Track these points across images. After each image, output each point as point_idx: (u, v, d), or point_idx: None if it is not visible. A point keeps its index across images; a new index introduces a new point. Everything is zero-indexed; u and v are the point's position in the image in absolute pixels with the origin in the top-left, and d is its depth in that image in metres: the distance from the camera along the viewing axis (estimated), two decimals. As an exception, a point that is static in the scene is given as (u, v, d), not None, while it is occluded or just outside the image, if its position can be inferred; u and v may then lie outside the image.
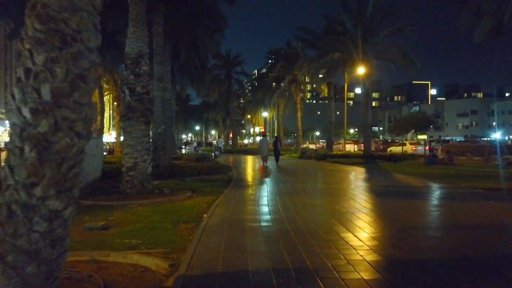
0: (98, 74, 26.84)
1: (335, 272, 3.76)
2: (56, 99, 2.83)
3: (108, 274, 3.91)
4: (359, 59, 24.89)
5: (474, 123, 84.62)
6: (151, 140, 10.28)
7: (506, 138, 60.81)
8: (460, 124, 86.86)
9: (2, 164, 2.95)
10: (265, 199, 8.75)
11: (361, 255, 4.34)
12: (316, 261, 4.09)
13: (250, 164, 22.05)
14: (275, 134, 41.46)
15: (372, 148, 28.60)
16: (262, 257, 4.27)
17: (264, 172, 16.26)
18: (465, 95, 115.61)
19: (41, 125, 2.79)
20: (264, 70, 56.48)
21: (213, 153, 28.65)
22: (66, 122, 2.89)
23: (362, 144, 40.27)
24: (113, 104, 45.82)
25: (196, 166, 16.25)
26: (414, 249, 4.64)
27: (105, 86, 34.96)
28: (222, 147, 37.62)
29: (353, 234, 5.38)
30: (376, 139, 58.88)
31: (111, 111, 52.34)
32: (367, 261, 4.12)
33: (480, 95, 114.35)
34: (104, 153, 27.48)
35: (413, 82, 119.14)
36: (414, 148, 33.49)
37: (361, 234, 5.36)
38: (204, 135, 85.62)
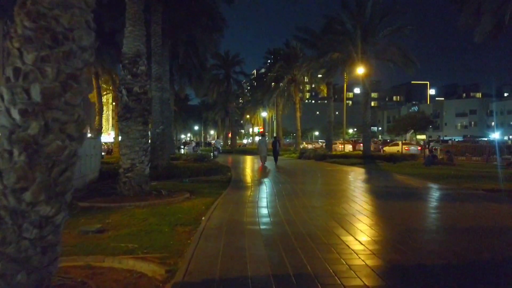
0: (94, 73, 26.65)
1: (337, 278, 3.65)
2: (47, 100, 2.71)
3: (102, 281, 3.79)
4: (359, 59, 24.80)
5: (473, 123, 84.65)
6: (149, 141, 10.15)
7: (506, 138, 60.78)
8: (459, 124, 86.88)
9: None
10: (264, 200, 8.64)
11: (362, 260, 4.23)
12: (317, 266, 3.97)
13: (249, 165, 21.94)
14: (274, 134, 41.41)
15: (371, 148, 28.53)
16: (262, 262, 4.16)
17: (263, 173, 16.15)
18: (464, 95, 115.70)
19: (31, 127, 2.67)
20: (263, 70, 56.45)
21: (211, 153, 28.53)
22: (57, 124, 2.77)
23: (357, 144, 40.42)
24: (112, 104, 45.67)
25: (194, 167, 16.14)
26: (416, 253, 4.53)
27: (104, 86, 34.78)
28: (220, 148, 37.50)
29: (354, 237, 5.26)
30: (375, 139, 58.83)
31: (110, 111, 52.21)
32: (369, 266, 4.01)
33: (478, 95, 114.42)
34: (103, 153, 27.39)
35: (412, 82, 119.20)
36: (406, 148, 33.66)
37: (362, 238, 5.25)
38: (203, 135, 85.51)
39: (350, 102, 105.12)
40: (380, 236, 5.40)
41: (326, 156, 25.17)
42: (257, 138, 49.87)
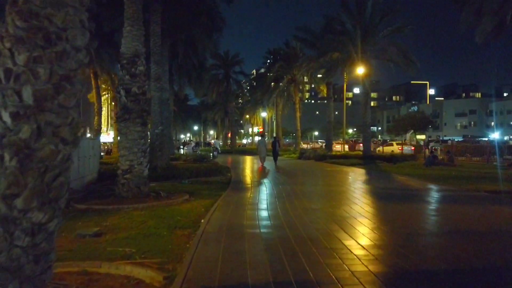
0: (92, 73, 26.53)
1: (340, 286, 3.55)
2: (39, 103, 2.60)
3: (98, 287, 3.68)
4: (359, 59, 24.70)
5: (472, 123, 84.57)
6: (148, 142, 10.03)
7: (506, 138, 60.68)
8: (459, 124, 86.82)
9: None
10: (264, 202, 8.53)
11: (365, 266, 4.13)
12: (319, 273, 3.87)
13: (249, 165, 21.83)
14: (274, 135, 41.30)
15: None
16: (262, 268, 4.05)
17: (262, 174, 16.05)
18: (463, 95, 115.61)
19: (22, 131, 2.56)
20: (262, 70, 56.26)
21: (211, 154, 28.41)
22: (50, 127, 2.66)
23: (357, 144, 40.34)
24: (111, 103, 45.55)
25: (194, 167, 16.03)
26: (421, 258, 4.43)
27: (103, 86, 34.67)
28: (219, 148, 37.39)
29: (356, 241, 5.16)
30: (375, 139, 58.71)
31: (109, 111, 52.08)
32: (372, 273, 3.90)
33: (478, 95, 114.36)
34: (102, 154, 27.27)
35: (412, 82, 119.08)
36: (400, 148, 33.68)
37: (365, 242, 5.15)
38: (202, 135, 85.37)
39: (350, 102, 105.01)
40: (382, 240, 5.30)
41: (326, 157, 25.08)
42: (256, 138, 49.83)
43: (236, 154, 36.65)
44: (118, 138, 10.94)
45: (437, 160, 19.78)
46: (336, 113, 47.89)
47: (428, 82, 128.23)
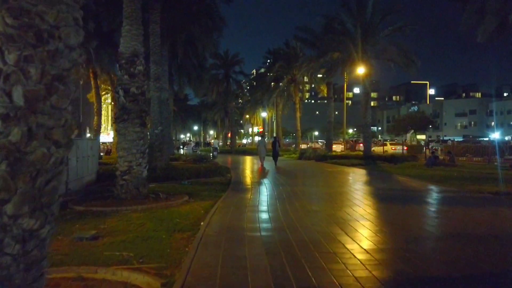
0: (92, 73, 26.40)
1: (344, 293, 3.43)
2: (30, 104, 2.48)
3: (94, 294, 3.57)
4: (359, 59, 24.58)
5: (472, 123, 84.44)
6: (147, 143, 9.91)
7: (507, 138, 60.52)
8: (459, 124, 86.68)
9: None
10: (264, 204, 8.42)
11: (369, 271, 4.01)
12: (322, 279, 3.75)
13: (249, 166, 21.71)
14: (274, 135, 41.19)
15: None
16: (263, 274, 3.93)
17: (263, 174, 15.93)
18: (463, 95, 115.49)
19: (12, 133, 2.44)
20: (262, 70, 56.11)
21: (211, 154, 28.28)
22: (42, 129, 2.54)
23: (357, 144, 40.20)
24: (111, 103, 45.42)
25: (193, 168, 15.92)
26: (426, 263, 4.31)
27: (103, 86, 34.55)
28: (218, 148, 37.25)
29: (359, 245, 5.04)
30: (375, 139, 58.56)
31: (109, 111, 51.95)
32: (377, 279, 3.79)
33: (478, 95, 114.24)
34: (101, 154, 27.14)
35: (412, 82, 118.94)
36: (393, 148, 33.66)
37: (368, 246, 5.03)
38: (202, 135, 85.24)
39: (350, 102, 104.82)
40: (386, 243, 5.18)
41: (327, 157, 24.96)
42: (256, 138, 49.72)
43: (236, 154, 36.52)
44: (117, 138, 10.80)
45: (438, 160, 19.66)
46: (336, 113, 47.71)
47: (428, 82, 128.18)
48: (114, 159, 19.35)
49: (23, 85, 2.47)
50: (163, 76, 18.21)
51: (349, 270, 4.02)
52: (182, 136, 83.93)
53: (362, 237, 5.46)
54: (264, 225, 6.30)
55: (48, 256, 2.84)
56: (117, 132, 9.46)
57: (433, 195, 10.27)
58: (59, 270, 4.04)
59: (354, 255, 4.57)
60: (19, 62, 2.47)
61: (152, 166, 13.68)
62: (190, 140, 72.52)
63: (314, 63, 29.09)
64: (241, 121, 72.95)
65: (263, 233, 5.76)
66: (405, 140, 59.26)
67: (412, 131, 56.46)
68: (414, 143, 49.65)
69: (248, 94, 58.13)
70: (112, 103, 39.03)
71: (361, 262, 4.30)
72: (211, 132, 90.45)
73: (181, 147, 44.78)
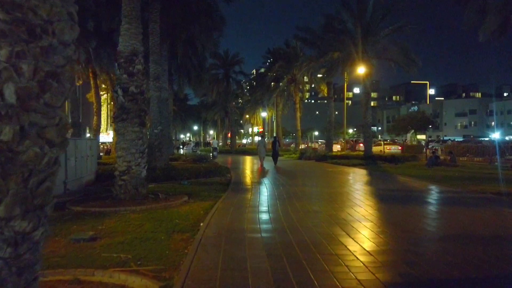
0: (91, 73, 26.30)
1: (347, 296, 3.34)
2: (23, 101, 2.38)
3: (90, 298, 3.47)
4: (359, 58, 24.49)
5: (472, 123, 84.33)
6: (146, 142, 9.81)
7: (507, 138, 60.41)
8: (459, 124, 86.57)
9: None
10: (265, 204, 8.32)
11: (373, 274, 3.92)
12: (325, 282, 3.66)
13: (249, 166, 21.62)
14: (274, 134, 41.09)
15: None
16: (265, 276, 3.84)
17: (263, 174, 15.84)
18: (463, 95, 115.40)
19: (4, 132, 2.34)
20: (262, 70, 55.99)
21: (211, 154, 28.17)
22: (35, 128, 2.44)
23: (357, 144, 40.09)
24: (110, 103, 45.32)
25: (193, 168, 15.83)
26: (430, 265, 4.21)
27: (103, 86, 34.46)
28: (217, 148, 37.16)
29: (362, 246, 4.95)
30: (375, 139, 58.46)
31: (109, 111, 51.81)
32: (382, 282, 3.69)
33: (478, 95, 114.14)
34: (101, 154, 27.04)
35: (412, 82, 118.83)
36: (388, 148, 33.60)
37: (371, 247, 4.93)
38: (202, 135, 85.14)
39: (350, 102, 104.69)
40: (389, 245, 5.08)
41: (327, 157, 24.87)
42: (256, 138, 49.62)
43: (236, 154, 36.44)
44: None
45: (439, 160, 19.57)
46: (336, 113, 47.63)
47: (428, 82, 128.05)
48: (113, 159, 19.22)
49: (15, 82, 2.37)
50: (162, 75, 18.11)
51: (352, 273, 3.93)
52: (182, 136, 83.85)
53: (364, 239, 5.37)
54: (265, 226, 6.21)
55: (42, 259, 2.75)
56: (116, 131, 9.37)
57: (435, 195, 10.17)
58: (55, 273, 3.95)
59: (356, 257, 4.47)
60: (10, 58, 2.37)
61: (152, 166, 13.60)
62: (189, 140, 72.39)
63: (314, 62, 29.02)
64: (241, 121, 72.79)
65: (263, 234, 5.66)
66: (405, 140, 59.15)
67: (412, 131, 56.36)
68: (415, 143, 49.51)
69: (248, 94, 58.04)
70: (112, 102, 38.92)
71: (364, 264, 4.21)
72: (211, 132, 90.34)
73: (181, 147, 44.71)
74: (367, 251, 4.73)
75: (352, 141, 47.98)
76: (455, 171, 16.04)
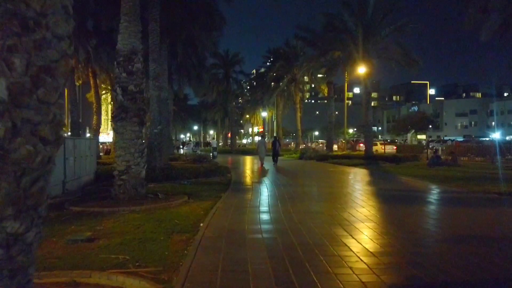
0: (91, 73, 26.22)
1: (352, 300, 3.24)
2: (15, 97, 2.28)
3: (87, 301, 3.37)
4: (360, 58, 24.38)
5: (473, 123, 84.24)
6: (144, 142, 9.71)
7: (508, 138, 60.27)
8: (459, 124, 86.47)
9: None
10: (265, 205, 8.22)
11: (378, 276, 3.82)
12: (328, 285, 3.55)
13: (249, 165, 21.53)
14: (274, 134, 41.02)
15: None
16: (266, 279, 3.73)
17: (263, 174, 15.74)
18: (464, 95, 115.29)
19: (-5, 130, 2.25)
20: (263, 70, 55.92)
21: (211, 154, 28.08)
22: (28, 125, 2.34)
23: (357, 144, 39.99)
24: (111, 103, 45.23)
25: (193, 168, 15.74)
26: (437, 267, 4.11)
27: (103, 85, 34.37)
28: (217, 148, 37.10)
29: (366, 248, 4.85)
30: (375, 139, 58.34)
31: (109, 110, 51.76)
32: (387, 285, 3.59)
33: (478, 95, 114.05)
34: (101, 154, 26.96)
35: (412, 82, 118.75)
36: (382, 148, 33.62)
37: (375, 248, 4.83)
38: (202, 135, 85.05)
39: (350, 102, 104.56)
40: (393, 246, 4.98)
41: (328, 157, 24.77)
42: (256, 138, 49.51)
43: (236, 154, 36.34)
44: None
45: (440, 160, 19.46)
46: (336, 113, 47.56)
47: (428, 82, 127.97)
48: (113, 159, 19.15)
49: (6, 77, 2.27)
50: (162, 75, 18.00)
51: (356, 275, 3.83)
52: (182, 136, 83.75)
53: (367, 239, 5.27)
54: (266, 227, 6.11)
55: (36, 261, 2.65)
56: (115, 131, 9.27)
57: (438, 195, 10.06)
58: (51, 275, 3.85)
59: (360, 259, 4.37)
60: (2, 52, 2.27)
61: (151, 166, 13.49)
62: (190, 140, 72.29)
63: (315, 62, 28.93)
64: (241, 121, 72.75)
65: (265, 235, 5.56)
66: (406, 140, 59.06)
67: (413, 131, 56.30)
68: (415, 143, 49.42)
69: (248, 94, 57.99)
70: (112, 102, 38.85)
71: (368, 266, 4.11)
72: (211, 132, 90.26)
73: (181, 147, 44.59)
74: (371, 252, 4.63)
75: (353, 141, 47.88)
76: (457, 171, 15.94)
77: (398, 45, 24.06)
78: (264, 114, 55.98)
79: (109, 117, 53.60)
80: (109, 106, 49.26)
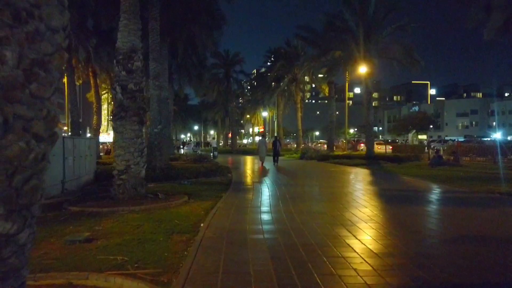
0: (91, 72, 26.12)
1: (357, 302, 3.13)
2: (6, 92, 2.18)
3: (84, 304, 3.27)
4: (361, 57, 24.27)
5: (474, 123, 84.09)
6: (144, 141, 9.60)
7: (509, 138, 60.10)
8: (460, 124, 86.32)
9: None
10: (266, 205, 8.12)
11: (383, 277, 3.71)
12: (333, 287, 3.44)
13: (250, 166, 21.42)
14: (275, 134, 40.92)
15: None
16: (269, 281, 3.62)
17: (264, 174, 15.63)
18: (464, 95, 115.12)
19: (-15, 126, 2.15)
20: (263, 70, 55.91)
21: (211, 154, 27.98)
22: (20, 121, 2.24)
23: (358, 144, 39.90)
24: (111, 103, 45.15)
25: (193, 168, 15.65)
26: (443, 269, 4.00)
27: (103, 85, 34.29)
28: (217, 147, 37.04)
29: (369, 248, 4.74)
30: (376, 139, 58.20)
31: (109, 110, 51.69)
32: (392, 287, 3.48)
33: (479, 95, 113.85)
34: (101, 154, 26.87)
35: (413, 82, 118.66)
36: (379, 148, 33.63)
37: (379, 249, 4.72)
38: (202, 135, 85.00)
39: (351, 102, 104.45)
40: (398, 247, 4.87)
41: (329, 157, 24.67)
42: (257, 138, 49.40)
43: (237, 154, 36.24)
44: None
45: (442, 160, 19.35)
46: (337, 113, 47.44)
47: (429, 82, 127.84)
48: (113, 159, 19.05)
49: (-3, 70, 2.18)
50: (162, 74, 17.91)
51: (361, 277, 3.72)
52: (182, 135, 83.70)
53: (371, 240, 5.16)
54: (267, 227, 6.00)
55: (29, 263, 2.54)
56: (115, 130, 9.16)
57: (442, 195, 9.95)
58: (46, 276, 3.75)
59: (364, 260, 4.27)
60: (-7, 44, 2.19)
61: (151, 165, 13.41)
62: (190, 140, 72.21)
63: (316, 62, 28.82)
64: (242, 121, 72.63)
65: (266, 236, 5.45)
66: (407, 140, 58.92)
67: (414, 131, 56.14)
68: (416, 143, 49.29)
69: (248, 94, 57.89)
70: (112, 102, 38.78)
71: (372, 268, 4.00)
72: (212, 132, 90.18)
73: (181, 146, 44.51)
74: (375, 253, 4.52)
75: (354, 141, 47.77)
76: (459, 171, 15.82)
77: (400, 45, 23.95)
78: (265, 114, 55.91)
79: (110, 116, 53.58)
80: (110, 106, 49.20)
